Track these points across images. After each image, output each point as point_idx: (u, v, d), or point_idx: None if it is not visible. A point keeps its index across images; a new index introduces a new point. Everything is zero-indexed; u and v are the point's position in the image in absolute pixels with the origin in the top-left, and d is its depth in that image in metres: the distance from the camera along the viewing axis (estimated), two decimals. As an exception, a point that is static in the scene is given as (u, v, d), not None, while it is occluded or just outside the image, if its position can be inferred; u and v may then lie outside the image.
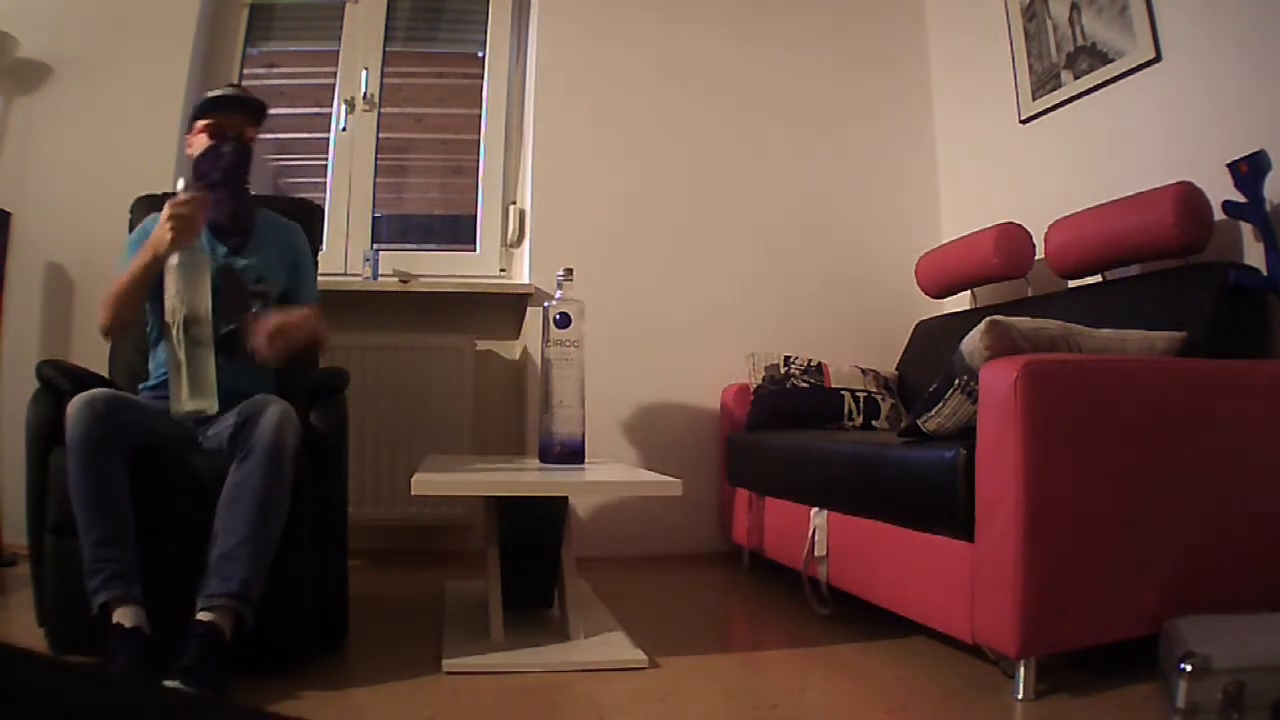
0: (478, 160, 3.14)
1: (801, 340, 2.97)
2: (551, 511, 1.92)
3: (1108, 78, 2.36)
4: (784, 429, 2.56)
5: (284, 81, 3.17)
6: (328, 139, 3.06)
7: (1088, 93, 2.44)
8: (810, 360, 2.75)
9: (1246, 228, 1.96)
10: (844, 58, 3.22)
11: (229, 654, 1.42)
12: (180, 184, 1.64)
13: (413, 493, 1.57)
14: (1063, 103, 2.54)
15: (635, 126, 3.04)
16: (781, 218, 3.11)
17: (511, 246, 3.10)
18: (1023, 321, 1.59)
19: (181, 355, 1.57)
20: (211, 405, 1.61)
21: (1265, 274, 1.84)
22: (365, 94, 3.05)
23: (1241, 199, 1.87)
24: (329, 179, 3.04)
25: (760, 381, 2.72)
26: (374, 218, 3.06)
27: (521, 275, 3.03)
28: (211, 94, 1.83)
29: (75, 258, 2.71)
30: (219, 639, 1.40)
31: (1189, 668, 1.28)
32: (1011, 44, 2.77)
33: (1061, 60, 2.55)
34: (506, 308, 3.00)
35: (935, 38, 3.27)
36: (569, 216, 2.96)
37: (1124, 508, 1.54)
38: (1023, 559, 1.45)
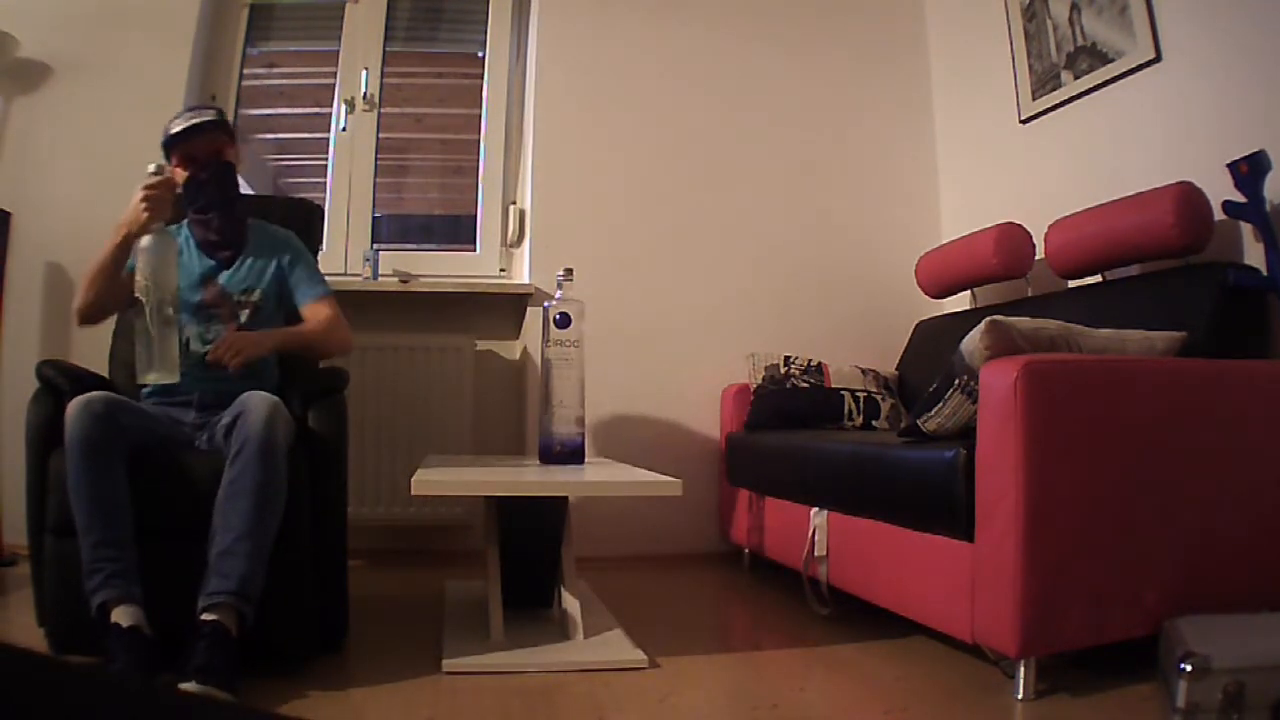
0: (478, 160, 3.14)
1: (801, 340, 2.97)
2: (551, 511, 1.92)
3: (1108, 78, 2.36)
4: (784, 429, 2.56)
5: (284, 81, 3.17)
6: (328, 139, 3.06)
7: (1088, 93, 2.44)
8: (810, 360, 2.75)
9: (1246, 228, 1.96)
10: (844, 58, 3.22)
11: (237, 651, 1.42)
12: (151, 167, 1.66)
13: (413, 492, 1.57)
14: (1063, 103, 2.54)
15: (635, 127, 3.04)
16: (781, 218, 3.11)
17: (511, 246, 3.10)
18: (1023, 321, 1.59)
19: (153, 330, 1.61)
20: (172, 377, 1.63)
21: (1265, 274, 1.84)
22: (365, 94, 3.05)
23: (1241, 199, 1.87)
24: (329, 179, 3.04)
25: (760, 381, 2.72)
26: (374, 218, 3.06)
27: (521, 275, 3.03)
28: (171, 130, 1.82)
29: (75, 258, 2.68)
30: (226, 636, 1.41)
31: (1189, 668, 1.28)
32: (1011, 44, 2.77)
33: (1061, 60, 2.55)
34: (506, 308, 3.00)
35: (935, 38, 3.27)
36: (569, 216, 2.96)
37: (1124, 508, 1.54)
38: (1023, 559, 1.45)
